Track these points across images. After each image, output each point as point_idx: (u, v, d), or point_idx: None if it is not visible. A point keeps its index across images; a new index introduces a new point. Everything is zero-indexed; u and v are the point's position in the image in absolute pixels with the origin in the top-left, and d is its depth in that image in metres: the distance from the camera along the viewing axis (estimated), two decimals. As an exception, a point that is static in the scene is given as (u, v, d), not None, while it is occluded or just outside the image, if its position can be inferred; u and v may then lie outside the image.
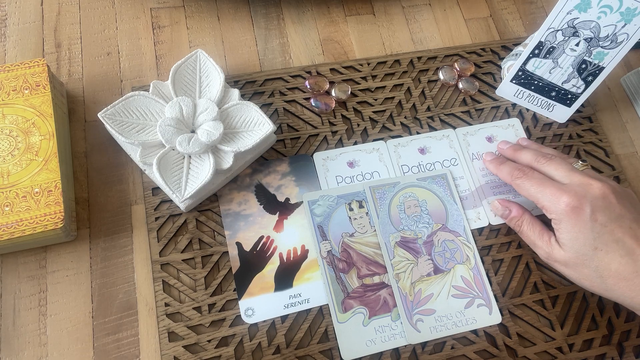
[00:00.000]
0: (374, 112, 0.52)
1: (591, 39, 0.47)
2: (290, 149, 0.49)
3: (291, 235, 0.45)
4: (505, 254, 0.47)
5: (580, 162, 0.44)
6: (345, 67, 0.53)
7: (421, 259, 0.45)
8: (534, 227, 0.44)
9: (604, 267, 0.39)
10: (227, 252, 0.44)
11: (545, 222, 0.44)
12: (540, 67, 0.50)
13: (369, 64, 0.54)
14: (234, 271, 0.43)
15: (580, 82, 0.50)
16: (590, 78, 0.49)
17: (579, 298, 0.46)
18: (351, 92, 0.52)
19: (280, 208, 0.46)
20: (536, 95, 0.52)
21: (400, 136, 0.51)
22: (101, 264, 0.43)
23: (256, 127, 0.45)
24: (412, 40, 0.57)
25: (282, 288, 0.43)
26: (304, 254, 0.45)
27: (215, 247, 0.44)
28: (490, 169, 0.48)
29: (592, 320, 0.45)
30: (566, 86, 0.50)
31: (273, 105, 0.50)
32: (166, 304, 0.42)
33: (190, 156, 0.44)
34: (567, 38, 0.47)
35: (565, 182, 0.42)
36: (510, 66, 0.53)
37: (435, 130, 0.51)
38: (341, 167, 0.48)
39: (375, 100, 0.52)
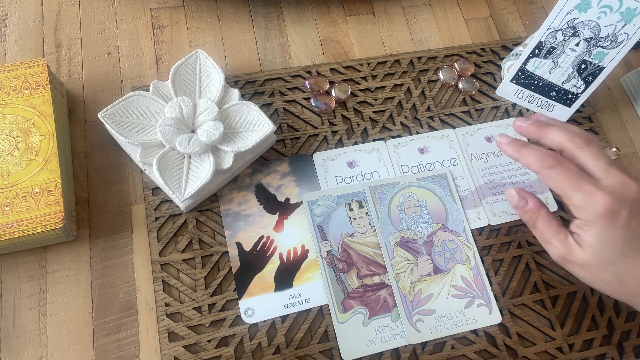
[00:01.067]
0: (374, 112, 0.52)
1: (591, 39, 0.47)
2: (290, 149, 0.49)
3: (291, 235, 0.45)
4: (505, 254, 0.47)
5: (615, 148, 0.40)
6: (345, 67, 0.53)
7: (421, 259, 0.45)
8: (550, 223, 0.40)
9: (627, 274, 0.37)
10: (227, 252, 0.44)
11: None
12: (540, 67, 0.50)
13: (369, 64, 0.54)
14: (234, 271, 0.43)
15: (580, 82, 0.50)
16: (590, 78, 0.49)
17: (579, 298, 0.46)
18: (351, 92, 0.52)
19: (280, 208, 0.46)
20: (536, 95, 0.52)
21: (400, 136, 0.51)
22: (101, 264, 0.43)
23: (256, 127, 0.45)
24: (412, 40, 0.57)
25: (282, 288, 0.43)
26: (304, 254, 0.45)
27: (215, 247, 0.44)
28: (509, 154, 0.42)
29: (592, 320, 0.45)
30: (566, 86, 0.50)
31: (273, 105, 0.50)
32: (166, 304, 0.42)
33: (190, 156, 0.44)
34: (567, 38, 0.47)
35: (601, 177, 0.38)
36: (510, 66, 0.53)
37: (435, 130, 0.51)
38: (341, 167, 0.48)
39: (375, 100, 0.52)
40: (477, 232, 0.47)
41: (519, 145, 0.41)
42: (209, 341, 0.41)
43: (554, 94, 0.51)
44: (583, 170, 0.39)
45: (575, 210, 0.38)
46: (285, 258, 0.44)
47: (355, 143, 0.50)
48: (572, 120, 0.53)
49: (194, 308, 0.42)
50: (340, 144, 0.50)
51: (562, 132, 0.40)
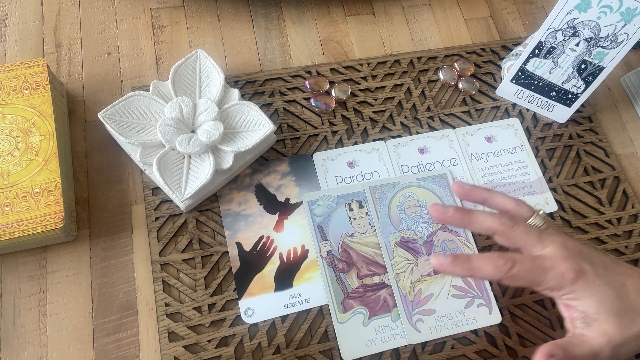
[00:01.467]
0: (374, 112, 0.52)
1: (591, 39, 0.47)
2: (290, 149, 0.49)
3: (291, 235, 0.45)
4: (505, 254, 0.47)
5: (541, 211, 0.39)
6: (345, 67, 0.53)
7: (421, 259, 0.45)
8: (573, 345, 0.35)
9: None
10: (227, 252, 0.44)
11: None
12: (540, 67, 0.50)
13: (369, 64, 0.54)
14: (234, 271, 0.43)
15: (580, 82, 0.50)
16: (590, 78, 0.49)
17: (579, 298, 0.46)
18: (351, 92, 0.52)
19: (280, 208, 0.46)
20: (536, 95, 0.52)
21: (400, 136, 0.51)
22: (101, 264, 0.43)
23: (256, 127, 0.45)
24: (412, 40, 0.57)
25: (282, 288, 0.43)
26: (304, 254, 0.45)
27: (215, 247, 0.44)
28: (459, 273, 0.37)
29: (592, 320, 0.45)
30: (566, 86, 0.50)
31: (273, 105, 0.50)
32: (166, 304, 0.42)
33: (190, 156, 0.44)
34: (567, 38, 0.47)
35: (541, 249, 0.36)
36: (510, 66, 0.53)
37: (435, 130, 0.51)
38: (341, 167, 0.48)
39: (375, 100, 0.52)
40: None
41: (464, 261, 0.36)
42: (209, 341, 0.41)
43: (554, 94, 0.51)
44: (519, 249, 0.37)
45: (553, 293, 0.36)
46: (285, 258, 0.44)
47: (355, 143, 0.50)
48: (572, 121, 0.53)
49: (194, 308, 0.42)
50: (340, 144, 0.50)
51: (489, 217, 0.38)
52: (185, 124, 0.44)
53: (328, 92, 0.51)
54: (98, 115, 0.43)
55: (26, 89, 0.43)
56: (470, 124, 0.52)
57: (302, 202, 0.46)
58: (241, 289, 0.43)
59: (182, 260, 0.43)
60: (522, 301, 0.45)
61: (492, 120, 0.53)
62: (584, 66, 0.49)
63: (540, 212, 0.39)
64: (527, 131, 0.53)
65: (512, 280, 0.36)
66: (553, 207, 0.49)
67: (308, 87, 0.51)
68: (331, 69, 0.53)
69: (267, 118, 0.45)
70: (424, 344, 0.43)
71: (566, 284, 0.35)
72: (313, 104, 0.51)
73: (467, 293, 0.44)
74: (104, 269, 0.43)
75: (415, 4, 0.59)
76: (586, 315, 0.35)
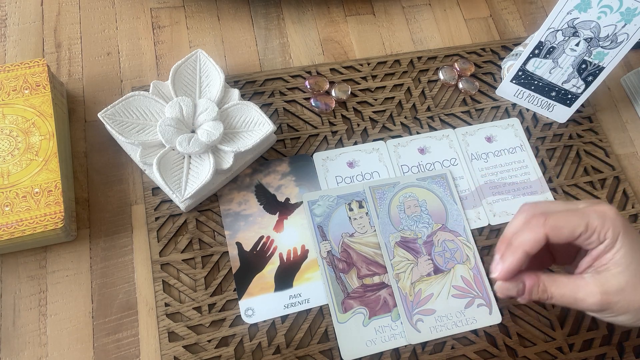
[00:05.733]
0: (374, 112, 0.52)
1: (591, 39, 0.47)
2: (290, 149, 0.49)
3: (291, 235, 0.45)
4: (505, 254, 0.47)
5: None
6: (345, 67, 0.53)
7: (421, 259, 0.45)
8: (559, 282, 0.35)
9: None
10: (227, 252, 0.44)
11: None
12: (540, 67, 0.50)
13: (369, 64, 0.54)
14: (234, 271, 0.43)
15: (580, 82, 0.50)
16: (590, 78, 0.49)
17: (579, 298, 0.46)
18: (351, 92, 0.52)
19: (280, 208, 0.46)
20: (536, 95, 0.52)
21: (400, 136, 0.51)
22: (101, 264, 0.43)
23: (256, 127, 0.45)
24: (412, 40, 0.57)
25: (282, 288, 0.43)
26: (304, 254, 0.45)
27: (215, 247, 0.44)
28: (513, 263, 0.35)
29: (592, 320, 0.45)
30: (566, 86, 0.50)
31: (273, 105, 0.50)
32: (166, 304, 0.42)
33: (190, 156, 0.44)
34: (567, 38, 0.47)
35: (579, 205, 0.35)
36: (510, 66, 0.53)
37: (435, 130, 0.51)
38: (341, 167, 0.48)
39: (375, 100, 0.52)
40: (477, 232, 0.47)
41: (505, 248, 0.36)
42: (209, 341, 0.41)
43: (554, 94, 0.51)
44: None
45: (593, 236, 0.34)
46: (285, 258, 0.44)
47: (355, 143, 0.50)
48: (572, 120, 0.53)
49: (194, 308, 0.42)
50: (340, 144, 0.50)
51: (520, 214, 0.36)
52: (185, 124, 0.44)
53: (328, 92, 0.51)
54: (98, 115, 0.43)
55: (26, 89, 0.43)
56: (470, 124, 0.52)
57: (302, 202, 0.46)
58: (241, 289, 0.43)
59: (182, 260, 0.43)
60: (522, 301, 0.45)
61: (492, 120, 0.53)
62: (584, 66, 0.49)
63: None
64: (527, 131, 0.53)
65: (556, 231, 0.33)
66: (553, 207, 0.49)
67: (308, 87, 0.51)
68: (331, 69, 0.53)
69: (267, 118, 0.45)
70: (424, 344, 0.43)
71: (608, 225, 0.33)
72: (313, 104, 0.51)
73: (467, 293, 0.44)
74: (104, 269, 0.43)
75: (415, 4, 0.59)
76: (608, 265, 0.34)
